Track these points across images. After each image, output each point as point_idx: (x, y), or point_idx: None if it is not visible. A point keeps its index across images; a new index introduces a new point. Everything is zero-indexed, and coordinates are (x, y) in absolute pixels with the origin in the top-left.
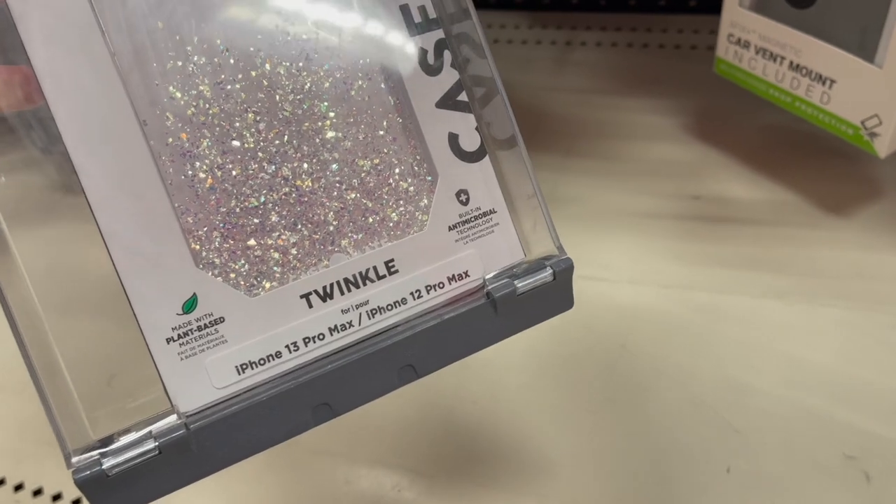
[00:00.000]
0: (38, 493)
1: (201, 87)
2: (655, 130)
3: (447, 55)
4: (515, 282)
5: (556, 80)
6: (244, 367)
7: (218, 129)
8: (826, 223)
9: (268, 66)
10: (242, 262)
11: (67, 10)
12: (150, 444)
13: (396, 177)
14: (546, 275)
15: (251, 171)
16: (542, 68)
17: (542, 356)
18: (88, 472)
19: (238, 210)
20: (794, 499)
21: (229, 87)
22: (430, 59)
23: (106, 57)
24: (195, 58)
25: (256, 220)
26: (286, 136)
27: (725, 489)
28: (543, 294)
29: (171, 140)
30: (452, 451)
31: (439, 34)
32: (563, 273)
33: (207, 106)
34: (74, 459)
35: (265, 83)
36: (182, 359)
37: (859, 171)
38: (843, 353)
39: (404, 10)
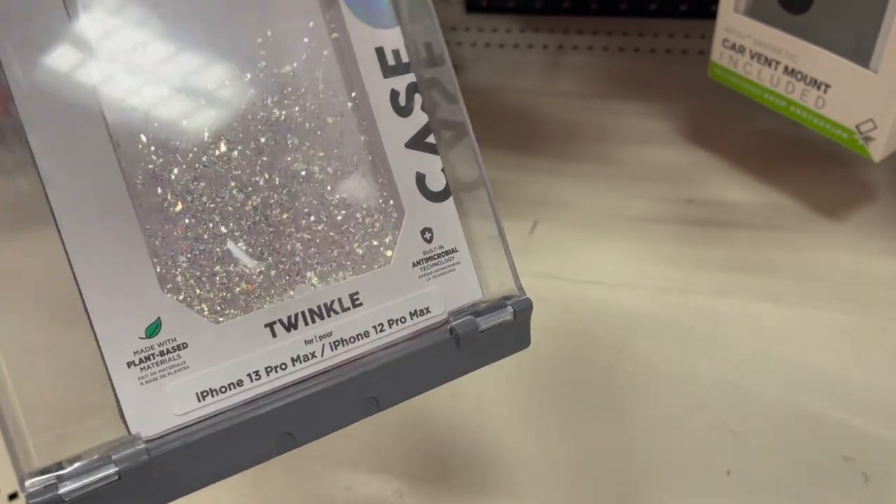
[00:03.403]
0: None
1: (175, 113)
2: (648, 134)
3: (418, 98)
4: (478, 319)
5: (548, 85)
6: (205, 394)
7: (191, 154)
8: (821, 227)
9: (244, 98)
10: (208, 288)
11: (47, 22)
12: (111, 469)
13: (364, 212)
14: (507, 314)
15: (221, 199)
16: (535, 72)
17: (542, 361)
18: (42, 497)
19: (206, 236)
20: (794, 500)
21: (203, 112)
22: (402, 100)
23: (85, 76)
24: (178, 76)
25: (224, 247)
26: (258, 166)
27: (726, 491)
28: (503, 332)
29: (143, 163)
30: (453, 456)
31: (411, 78)
32: (523, 313)
33: (180, 131)
34: (28, 483)
35: (240, 113)
36: (142, 384)
37: (853, 174)
38: (840, 356)
39: (379, 52)
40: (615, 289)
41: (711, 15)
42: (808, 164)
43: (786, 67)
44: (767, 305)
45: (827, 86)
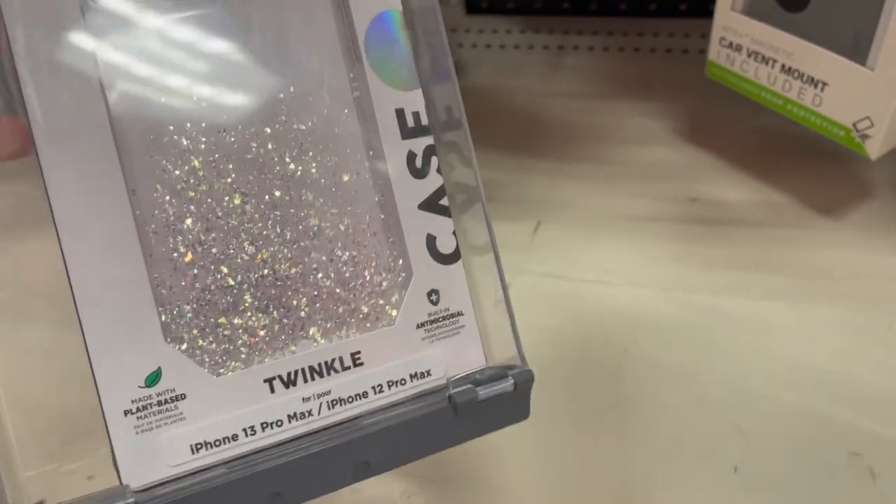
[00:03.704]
0: None
1: (195, 163)
2: (649, 134)
3: (434, 160)
4: (478, 389)
5: (549, 85)
6: (199, 446)
7: (205, 206)
8: (821, 224)
9: (262, 151)
10: (210, 339)
11: (72, 62)
12: None
13: (372, 270)
14: (507, 384)
15: (231, 251)
16: (536, 73)
17: (547, 361)
18: None
19: (213, 287)
20: (802, 497)
21: (222, 166)
22: (418, 162)
23: (105, 121)
24: (193, 134)
25: (230, 299)
26: (270, 221)
27: (734, 488)
28: (502, 402)
29: (156, 212)
30: (461, 457)
31: (429, 140)
32: (524, 384)
33: (197, 182)
34: None
35: (257, 167)
36: (137, 433)
37: (852, 172)
38: (845, 353)
39: (399, 113)
40: (619, 288)
41: (711, 14)
42: (808, 162)
43: (783, 66)
44: (772, 303)
45: (824, 84)
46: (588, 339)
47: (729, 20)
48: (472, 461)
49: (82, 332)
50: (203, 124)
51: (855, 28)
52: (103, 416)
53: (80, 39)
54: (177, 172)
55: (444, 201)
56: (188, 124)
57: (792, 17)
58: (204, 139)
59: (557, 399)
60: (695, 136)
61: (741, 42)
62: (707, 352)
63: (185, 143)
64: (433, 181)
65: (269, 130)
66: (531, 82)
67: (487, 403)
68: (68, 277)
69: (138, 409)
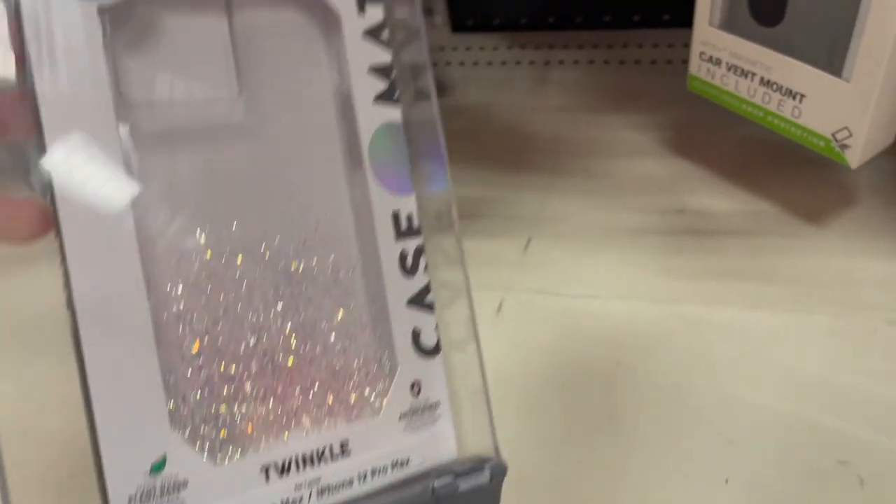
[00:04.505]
0: None
1: (206, 257)
2: (637, 146)
3: (423, 260)
4: (458, 481)
5: (536, 100)
6: None
7: (214, 297)
8: (807, 232)
9: (270, 245)
10: (211, 426)
11: (96, 155)
12: None
13: (361, 362)
14: (483, 477)
15: (235, 341)
16: (523, 88)
17: (538, 377)
18: None
19: (216, 377)
20: None
21: (231, 259)
22: (409, 262)
23: (124, 213)
24: (207, 228)
25: (231, 388)
26: (272, 314)
27: (725, 500)
28: (477, 493)
29: (168, 302)
30: None
31: (420, 241)
32: (497, 477)
33: (207, 277)
34: None
35: (264, 262)
36: None
37: (835, 179)
38: (833, 360)
39: (394, 216)
40: (610, 302)
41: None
42: (792, 170)
43: (761, 79)
44: (759, 312)
45: (802, 96)
46: (579, 354)
47: (707, 35)
48: None
49: (92, 420)
50: (219, 220)
51: (829, 41)
52: (105, 500)
53: (112, 138)
54: (192, 265)
55: (430, 298)
56: (207, 222)
57: (768, 32)
58: (216, 235)
59: (550, 413)
60: (681, 146)
61: (720, 56)
62: (697, 362)
63: (202, 240)
64: (420, 280)
65: (278, 238)
66: (518, 98)
67: (464, 494)
68: (83, 368)
69: (141, 498)
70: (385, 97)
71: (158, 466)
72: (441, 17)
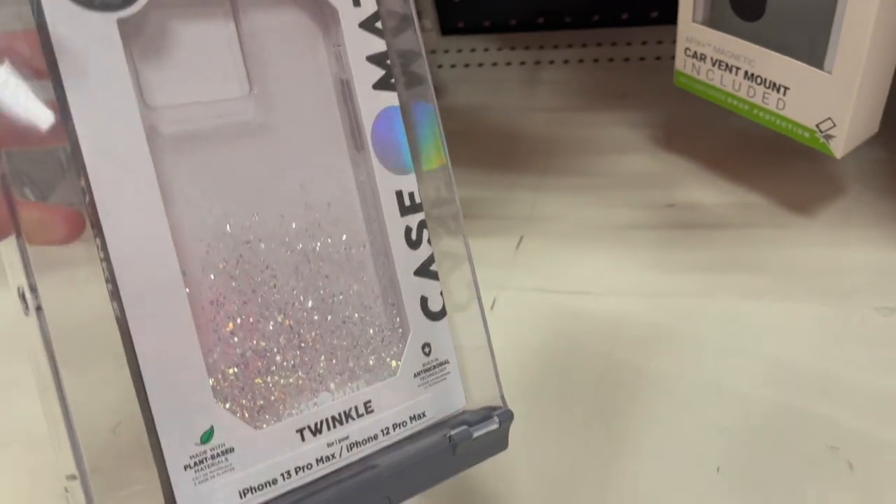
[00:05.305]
0: None
1: (232, 247)
2: (627, 143)
3: (426, 233)
4: (472, 429)
5: (527, 101)
6: (246, 491)
7: (242, 281)
8: (795, 223)
9: (288, 229)
10: (250, 397)
11: (129, 159)
12: None
13: (377, 328)
14: (493, 424)
15: (264, 319)
16: (514, 89)
17: (532, 374)
18: None
19: (250, 352)
20: (783, 491)
21: (255, 245)
22: (413, 235)
23: (163, 219)
24: (231, 220)
25: (264, 362)
26: (295, 291)
27: (717, 488)
28: (488, 438)
29: (203, 289)
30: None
31: (422, 216)
32: (506, 423)
33: (235, 263)
34: None
35: (284, 245)
36: (195, 484)
37: (821, 170)
38: (821, 349)
39: (398, 194)
40: (602, 298)
41: None
42: (780, 162)
43: (746, 72)
44: (749, 303)
45: (786, 88)
46: (572, 350)
47: (691, 31)
48: (465, 474)
49: (146, 401)
50: (241, 212)
51: (810, 33)
52: (164, 471)
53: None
54: (219, 253)
55: (434, 267)
56: (231, 215)
57: (750, 26)
58: (240, 225)
59: (544, 409)
60: (670, 142)
61: (705, 52)
62: (688, 355)
63: (227, 229)
64: (425, 251)
65: (295, 225)
66: (510, 99)
67: (477, 440)
68: (134, 356)
69: (196, 464)
70: (383, 83)
71: (207, 437)
72: (430, 20)
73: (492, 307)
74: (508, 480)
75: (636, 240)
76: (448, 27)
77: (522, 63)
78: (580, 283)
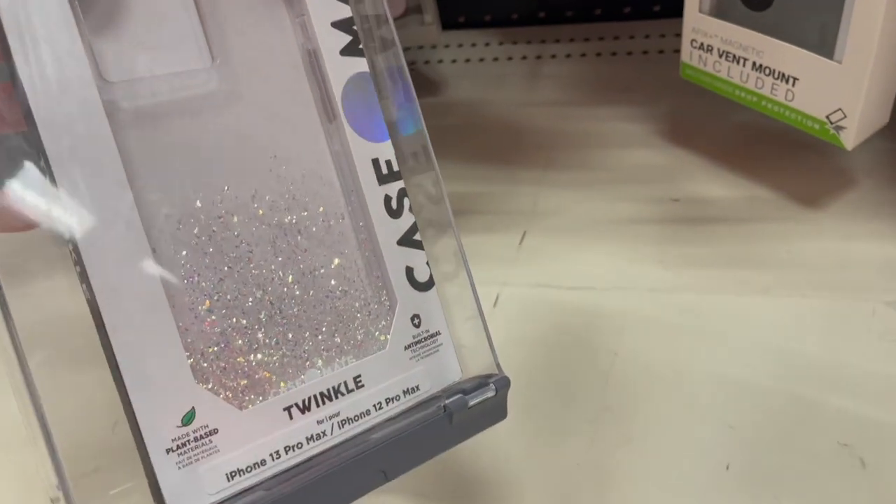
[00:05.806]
0: None
1: (203, 221)
2: (631, 137)
3: (406, 201)
4: (467, 398)
5: (529, 95)
6: (233, 474)
7: (217, 257)
8: (803, 216)
9: (261, 202)
10: (232, 377)
11: (89, 138)
12: None
13: (363, 301)
14: (490, 391)
15: (242, 296)
16: (516, 84)
17: (538, 370)
18: None
19: (229, 330)
20: (793, 489)
21: (228, 220)
22: (394, 204)
23: (128, 197)
24: (201, 194)
25: (245, 339)
26: (273, 266)
27: (727, 486)
28: (485, 407)
29: (175, 267)
30: (456, 472)
31: (401, 184)
32: (503, 390)
33: (207, 239)
34: None
35: (258, 219)
36: (179, 468)
37: (830, 162)
38: (831, 343)
39: (374, 162)
40: (607, 293)
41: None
42: (787, 155)
43: (754, 63)
44: (757, 298)
45: (795, 79)
46: (577, 346)
47: (698, 22)
48: (465, 475)
49: (122, 384)
50: (211, 186)
51: (820, 22)
52: (145, 455)
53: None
54: (190, 229)
55: (418, 236)
56: (200, 189)
57: (758, 16)
58: (210, 199)
59: (549, 406)
60: (675, 135)
61: (712, 43)
62: (696, 350)
63: (198, 204)
64: (406, 220)
65: (268, 197)
66: (511, 93)
67: (474, 409)
68: (107, 338)
69: (178, 447)
70: (350, 49)
71: (188, 418)
72: (431, 14)
73: (495, 304)
74: (512, 477)
75: (641, 235)
76: (449, 22)
77: (524, 58)
78: (584, 278)
